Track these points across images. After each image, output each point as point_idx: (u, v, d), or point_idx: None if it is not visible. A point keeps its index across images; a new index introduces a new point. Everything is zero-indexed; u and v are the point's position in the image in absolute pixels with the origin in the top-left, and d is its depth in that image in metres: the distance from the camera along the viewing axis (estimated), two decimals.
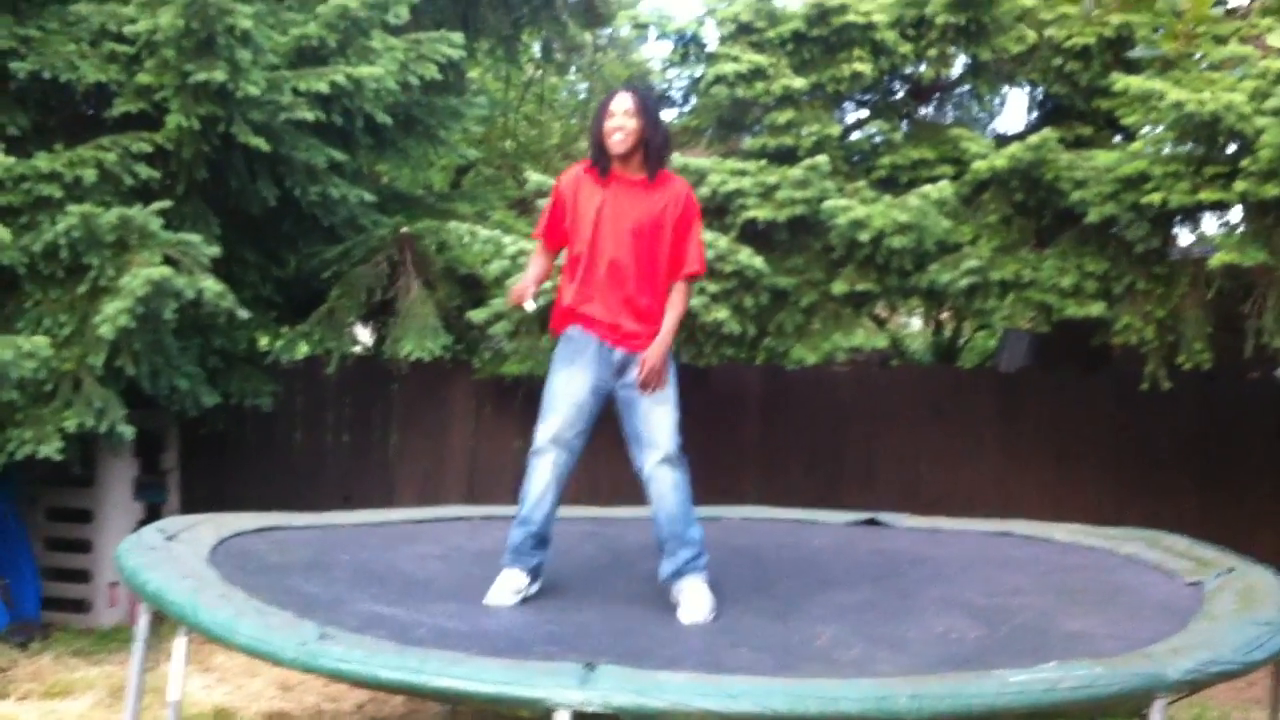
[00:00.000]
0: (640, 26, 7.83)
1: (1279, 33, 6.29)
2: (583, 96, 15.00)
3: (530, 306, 4.74)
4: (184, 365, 6.85)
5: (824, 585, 4.99)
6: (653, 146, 4.63)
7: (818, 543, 5.69)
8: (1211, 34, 6.68)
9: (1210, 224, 7.24)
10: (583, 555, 5.35)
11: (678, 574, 4.59)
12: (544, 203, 6.86)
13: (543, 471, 4.62)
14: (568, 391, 4.62)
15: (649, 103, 4.68)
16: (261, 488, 8.05)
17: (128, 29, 6.67)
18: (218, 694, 5.55)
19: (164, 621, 4.35)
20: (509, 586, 4.60)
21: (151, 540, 4.53)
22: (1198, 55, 6.88)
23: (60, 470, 6.51)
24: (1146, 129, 6.56)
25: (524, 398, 8.19)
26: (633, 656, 3.55)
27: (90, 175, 6.49)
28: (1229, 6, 6.99)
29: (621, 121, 4.59)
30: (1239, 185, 5.88)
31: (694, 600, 4.53)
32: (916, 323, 16.00)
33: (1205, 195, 6.05)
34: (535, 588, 4.65)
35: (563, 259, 4.85)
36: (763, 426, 8.32)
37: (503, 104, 13.07)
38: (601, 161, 4.66)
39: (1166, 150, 6.31)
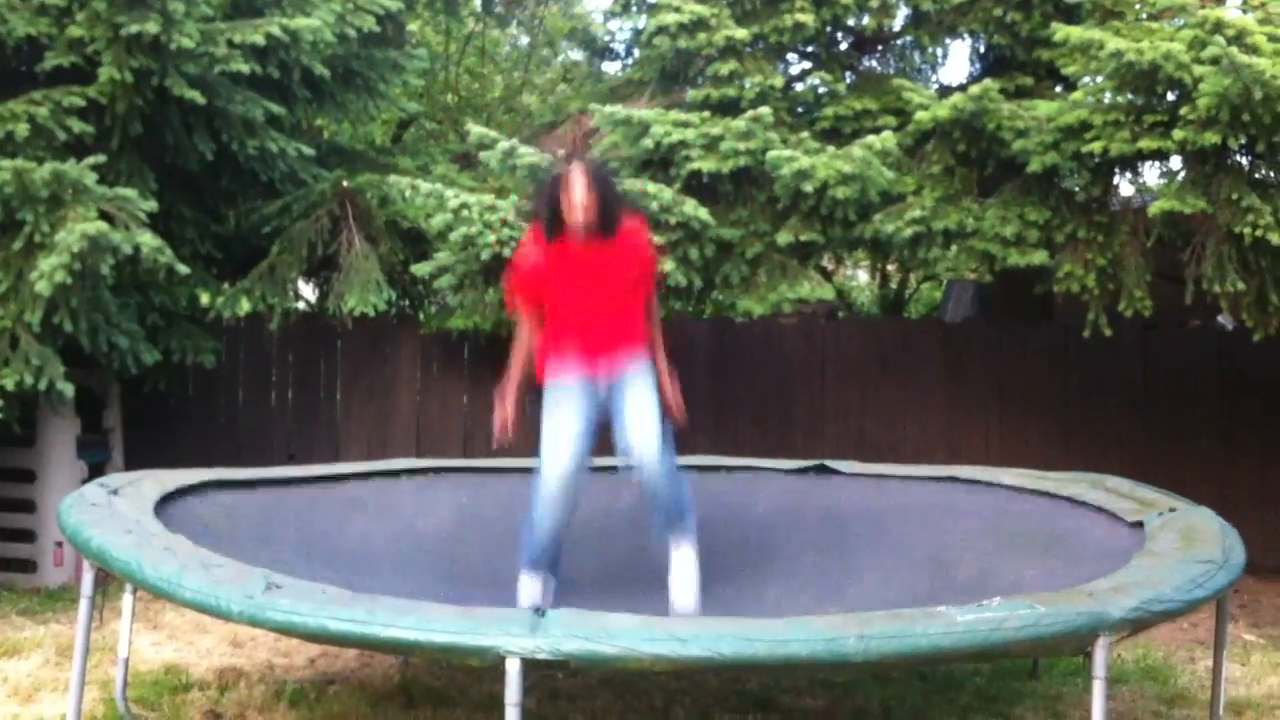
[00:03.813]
0: None
1: None
2: (525, 50, 14.87)
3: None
4: (123, 322, 6.75)
5: (771, 548, 5.03)
6: (611, 213, 4.75)
7: (764, 501, 5.66)
8: None
9: (1150, 172, 7.31)
10: None
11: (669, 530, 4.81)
12: (486, 155, 6.88)
13: (554, 513, 4.72)
14: (566, 434, 4.75)
15: (603, 174, 4.82)
16: (205, 446, 7.95)
17: None
18: (167, 651, 5.51)
19: (111, 580, 4.29)
20: (529, 592, 4.75)
21: (94, 496, 4.45)
22: (1137, 5, 6.93)
23: (1, 430, 6.40)
24: (1087, 79, 6.60)
25: (471, 353, 8.17)
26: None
27: (22, 130, 6.38)
28: None
29: (582, 199, 4.66)
30: (1178, 134, 5.94)
31: (685, 576, 4.71)
32: (863, 276, 16.10)
33: (1145, 144, 6.11)
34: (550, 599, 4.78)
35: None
36: (712, 380, 8.33)
37: (443, 57, 12.93)
38: (555, 230, 4.73)
39: (1107, 99, 6.35)
